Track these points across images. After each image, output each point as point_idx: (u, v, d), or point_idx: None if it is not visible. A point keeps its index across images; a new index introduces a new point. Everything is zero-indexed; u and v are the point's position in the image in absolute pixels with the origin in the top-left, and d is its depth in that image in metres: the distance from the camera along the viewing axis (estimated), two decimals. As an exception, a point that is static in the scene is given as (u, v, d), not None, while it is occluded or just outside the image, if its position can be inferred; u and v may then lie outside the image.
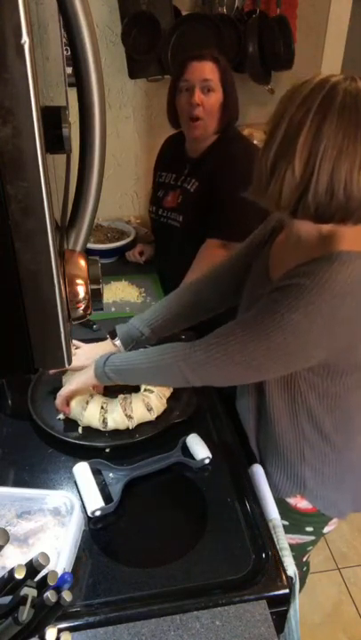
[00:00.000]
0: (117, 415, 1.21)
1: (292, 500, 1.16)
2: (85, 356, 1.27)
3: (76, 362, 1.26)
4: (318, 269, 0.85)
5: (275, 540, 1.00)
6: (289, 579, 0.93)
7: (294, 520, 1.20)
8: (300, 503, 1.16)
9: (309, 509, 1.16)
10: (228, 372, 0.99)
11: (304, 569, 1.51)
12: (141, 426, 1.23)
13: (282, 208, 0.83)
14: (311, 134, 0.77)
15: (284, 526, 1.15)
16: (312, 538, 1.25)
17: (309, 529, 1.22)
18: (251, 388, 1.15)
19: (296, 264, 0.91)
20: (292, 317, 0.86)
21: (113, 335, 1.30)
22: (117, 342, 1.28)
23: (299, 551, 1.31)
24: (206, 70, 1.58)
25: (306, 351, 0.91)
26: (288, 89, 0.83)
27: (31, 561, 0.64)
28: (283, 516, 1.15)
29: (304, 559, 1.41)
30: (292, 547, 1.26)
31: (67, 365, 0.54)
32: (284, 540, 1.01)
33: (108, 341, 1.31)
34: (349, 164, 0.77)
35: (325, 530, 1.23)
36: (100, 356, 1.16)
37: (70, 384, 1.22)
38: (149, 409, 1.24)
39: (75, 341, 1.35)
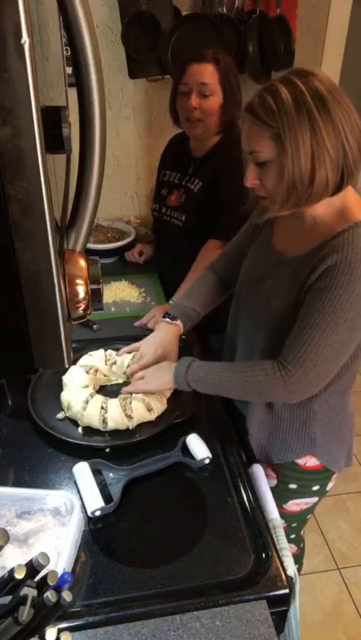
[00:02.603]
0: (117, 415, 1.21)
1: (301, 461, 1.27)
2: (153, 348, 1.33)
3: (149, 357, 1.32)
4: (354, 237, 0.98)
5: (275, 539, 1.00)
6: (289, 579, 0.93)
7: (302, 481, 1.31)
8: (309, 462, 1.27)
9: (316, 466, 1.27)
10: (324, 371, 1.06)
11: (301, 545, 1.58)
12: (141, 426, 1.23)
13: (327, 191, 0.97)
14: (324, 118, 0.91)
15: (292, 491, 1.30)
16: (315, 499, 1.36)
17: (316, 487, 1.32)
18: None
19: (321, 241, 1.03)
20: (355, 289, 0.98)
21: (170, 316, 1.38)
22: (178, 322, 1.38)
23: (300, 520, 1.44)
24: (205, 74, 1.57)
25: None
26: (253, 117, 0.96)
27: (31, 561, 0.63)
28: (292, 480, 1.30)
29: (302, 532, 1.52)
30: (294, 516, 1.38)
31: (67, 365, 0.54)
32: (284, 540, 1.02)
33: (164, 325, 1.37)
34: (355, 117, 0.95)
35: (329, 486, 1.35)
36: (179, 362, 1.21)
37: (145, 383, 1.25)
38: (149, 409, 1.24)
39: (133, 344, 1.40)
